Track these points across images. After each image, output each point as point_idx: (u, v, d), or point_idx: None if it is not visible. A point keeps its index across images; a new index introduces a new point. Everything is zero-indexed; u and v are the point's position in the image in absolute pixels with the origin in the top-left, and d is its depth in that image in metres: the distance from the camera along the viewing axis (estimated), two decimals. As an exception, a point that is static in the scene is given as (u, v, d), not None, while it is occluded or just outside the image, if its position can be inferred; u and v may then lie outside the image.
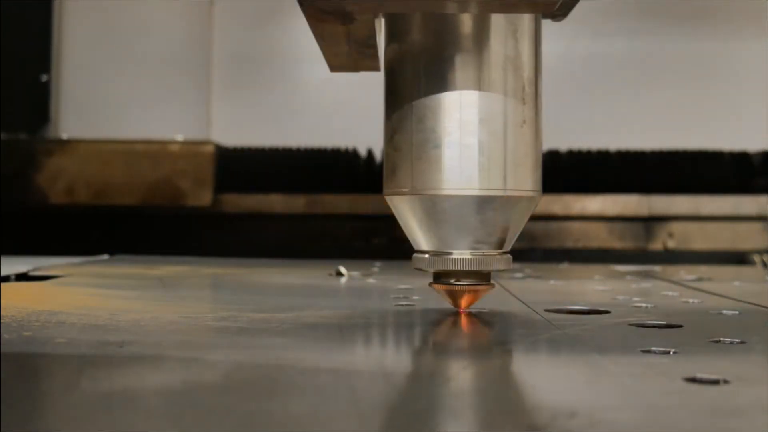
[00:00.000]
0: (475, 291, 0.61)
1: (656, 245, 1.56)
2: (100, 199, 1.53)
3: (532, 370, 0.45)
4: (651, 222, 1.56)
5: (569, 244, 1.55)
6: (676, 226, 1.56)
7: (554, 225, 1.56)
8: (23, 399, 0.35)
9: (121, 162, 1.54)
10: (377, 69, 0.65)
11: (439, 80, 0.57)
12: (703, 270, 1.17)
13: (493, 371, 0.44)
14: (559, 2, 0.53)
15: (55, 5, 1.77)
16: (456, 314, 0.64)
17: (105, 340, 0.50)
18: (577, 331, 0.56)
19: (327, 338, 0.54)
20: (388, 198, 0.60)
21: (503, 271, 0.61)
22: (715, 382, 0.40)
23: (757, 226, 1.54)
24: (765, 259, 1.42)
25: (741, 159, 1.63)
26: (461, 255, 0.58)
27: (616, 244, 1.55)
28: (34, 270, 0.94)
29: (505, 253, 0.60)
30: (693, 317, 0.65)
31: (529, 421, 0.33)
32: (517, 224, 0.60)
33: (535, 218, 1.53)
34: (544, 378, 0.43)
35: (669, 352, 0.48)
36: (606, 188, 1.56)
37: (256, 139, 1.69)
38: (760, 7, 1.74)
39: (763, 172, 1.61)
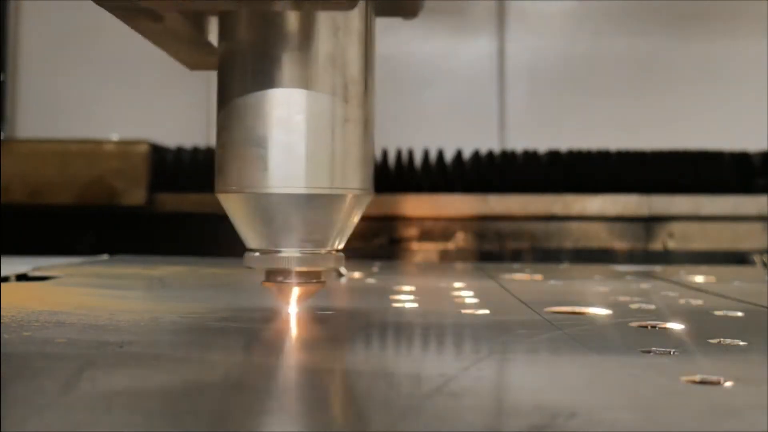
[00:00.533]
0: (306, 289, 0.60)
1: (656, 245, 1.56)
2: (36, 199, 1.53)
3: (532, 370, 0.45)
4: (651, 222, 1.56)
5: (569, 244, 1.55)
6: (676, 226, 1.56)
7: (554, 225, 1.56)
8: (23, 399, 0.35)
9: (57, 161, 1.54)
10: None
11: (262, 77, 0.56)
12: (703, 270, 1.17)
13: (492, 371, 0.44)
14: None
15: (11, 5, 1.77)
16: (454, 315, 0.63)
17: (105, 340, 0.50)
18: (577, 331, 0.56)
19: (328, 339, 0.54)
20: (218, 196, 0.59)
21: (334, 269, 0.61)
22: (715, 382, 0.40)
23: (757, 226, 1.54)
24: (765, 259, 1.42)
25: (741, 159, 1.63)
26: (290, 253, 0.58)
27: (616, 244, 1.55)
28: (34, 270, 0.94)
29: (336, 251, 0.60)
30: (693, 317, 0.65)
31: (529, 421, 0.33)
32: (345, 222, 0.59)
33: (535, 218, 1.55)
34: (544, 378, 0.43)
35: (669, 352, 0.47)
36: (606, 188, 1.56)
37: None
38: (760, 7, 1.74)
39: (763, 172, 1.61)
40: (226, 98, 0.58)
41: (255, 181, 0.56)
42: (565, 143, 1.64)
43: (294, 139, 0.56)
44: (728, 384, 0.39)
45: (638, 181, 1.58)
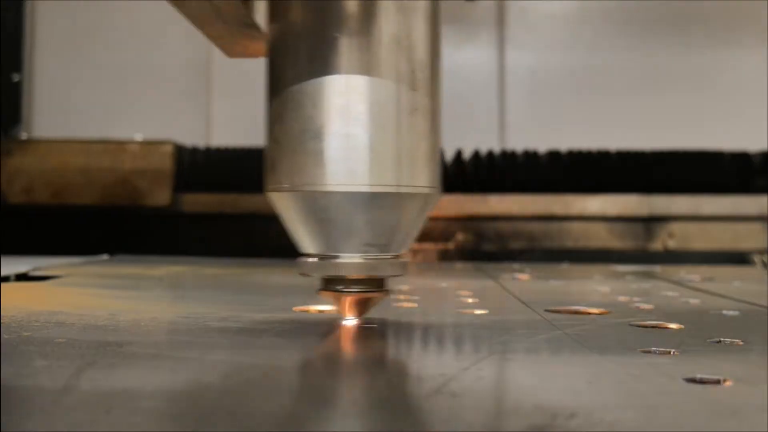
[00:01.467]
0: (367, 299, 0.55)
1: (656, 245, 1.56)
2: (59, 199, 1.53)
3: (532, 371, 0.45)
4: (651, 222, 1.56)
5: (569, 244, 1.55)
6: (676, 226, 1.56)
7: (554, 225, 1.56)
8: (23, 399, 0.35)
9: (80, 162, 1.53)
10: None
11: (320, 63, 0.51)
12: (703, 270, 1.17)
13: (493, 371, 0.44)
14: None
15: (27, 5, 1.77)
16: (454, 315, 0.63)
17: (105, 340, 0.50)
18: (577, 331, 0.56)
19: (328, 339, 0.54)
20: (268, 196, 0.54)
21: (396, 276, 0.54)
22: (715, 382, 0.40)
23: (757, 226, 1.54)
24: (765, 259, 1.42)
25: (741, 159, 1.63)
26: (350, 259, 0.53)
27: (616, 244, 1.55)
28: (34, 270, 0.94)
29: (399, 256, 0.55)
30: (693, 317, 0.65)
31: (529, 421, 0.33)
32: (412, 224, 0.54)
33: (535, 218, 1.55)
34: (544, 378, 0.43)
35: (669, 352, 0.48)
36: (606, 188, 1.56)
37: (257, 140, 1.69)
38: (760, 8, 1.74)
39: (763, 172, 1.61)
40: (278, 87, 0.53)
41: (312, 179, 0.51)
42: (565, 143, 1.64)
43: (356, 132, 0.50)
44: (728, 384, 0.39)
45: (638, 181, 1.58)
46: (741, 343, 0.51)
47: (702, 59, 1.79)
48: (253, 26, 0.56)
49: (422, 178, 0.53)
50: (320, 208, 0.52)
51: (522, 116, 1.82)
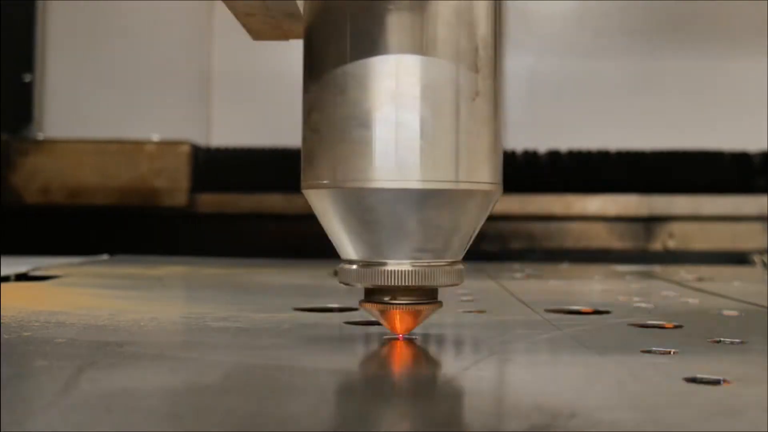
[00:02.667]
0: (417, 312, 0.48)
1: (656, 245, 1.56)
2: (76, 199, 1.53)
3: (531, 371, 0.45)
4: (651, 222, 1.56)
5: (569, 244, 1.55)
6: (676, 226, 1.56)
7: (554, 225, 1.56)
8: (23, 399, 0.35)
9: (96, 162, 1.53)
10: None
11: (367, 41, 0.45)
12: (703, 270, 1.17)
13: (493, 372, 0.44)
14: None
15: (39, 5, 1.77)
16: (454, 315, 0.63)
17: (105, 340, 0.50)
18: (577, 331, 0.56)
19: (327, 339, 0.54)
20: (305, 192, 0.48)
21: (452, 286, 0.48)
22: (715, 382, 0.40)
23: (757, 226, 1.54)
24: (765, 259, 1.42)
25: (741, 159, 1.63)
26: (398, 266, 0.46)
27: (616, 244, 1.55)
28: (34, 270, 0.94)
29: (456, 263, 0.48)
30: (693, 317, 0.65)
31: (529, 421, 0.33)
32: (471, 226, 0.48)
33: (535, 218, 1.55)
34: (544, 378, 0.43)
35: (669, 352, 0.47)
36: (606, 188, 1.56)
37: (255, 139, 1.69)
38: (761, 8, 1.74)
39: (763, 172, 1.61)
40: (316, 70, 0.46)
41: (356, 173, 0.45)
42: (564, 143, 1.64)
43: (408, 119, 0.44)
44: (728, 384, 0.39)
45: (638, 181, 1.58)
46: (741, 343, 0.51)
47: (702, 59, 1.79)
48: (289, 2, 0.50)
49: (483, 172, 0.46)
50: (366, 207, 0.45)
51: (522, 116, 1.82)
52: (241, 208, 1.55)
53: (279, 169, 1.54)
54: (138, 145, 1.54)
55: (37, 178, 1.53)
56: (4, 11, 1.68)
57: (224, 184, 1.58)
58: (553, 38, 1.83)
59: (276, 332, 0.54)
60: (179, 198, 1.52)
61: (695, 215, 1.55)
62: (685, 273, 1.10)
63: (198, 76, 1.79)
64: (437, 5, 0.45)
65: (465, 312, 0.65)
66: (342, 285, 0.49)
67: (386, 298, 0.48)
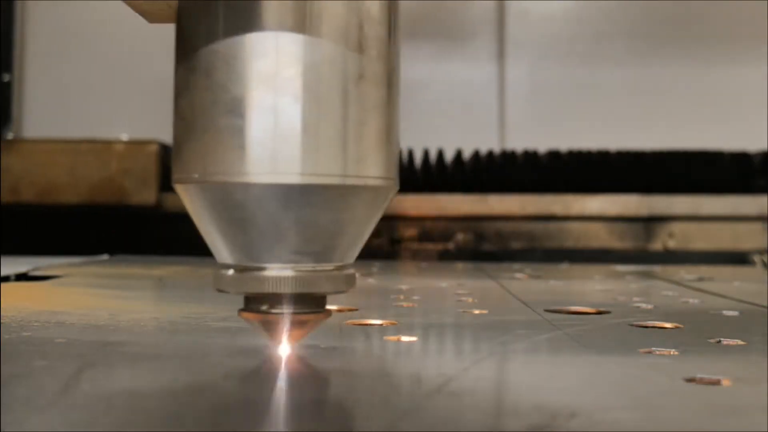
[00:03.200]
0: (302, 322, 0.43)
1: (656, 245, 1.56)
2: (45, 198, 1.54)
3: (531, 371, 0.45)
4: (651, 222, 1.56)
5: (569, 244, 1.55)
6: (676, 226, 1.56)
7: (554, 225, 1.56)
8: (23, 399, 0.35)
9: (66, 161, 1.54)
10: None
11: (240, 18, 0.40)
12: (703, 270, 1.17)
13: (492, 371, 0.44)
14: None
15: (17, 5, 1.77)
16: (454, 315, 0.63)
17: (105, 340, 0.50)
18: (577, 331, 0.56)
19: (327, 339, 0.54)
20: (176, 187, 0.43)
21: (342, 293, 0.43)
22: (715, 382, 0.40)
23: (757, 226, 1.54)
24: (765, 259, 1.42)
25: (741, 159, 1.63)
26: (278, 272, 0.41)
27: (616, 244, 1.55)
28: (34, 270, 0.94)
29: (344, 267, 0.43)
30: (693, 317, 0.65)
31: (529, 421, 0.33)
32: (360, 226, 0.43)
33: (535, 218, 1.55)
34: (544, 378, 0.43)
35: (669, 352, 0.47)
36: (606, 188, 1.56)
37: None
38: (761, 8, 1.74)
39: (763, 172, 1.61)
40: (185, 51, 0.42)
41: (228, 166, 0.40)
42: (565, 143, 1.64)
43: (285, 104, 0.39)
44: (728, 384, 0.40)
45: (638, 181, 1.58)
46: (741, 343, 0.51)
47: (702, 59, 1.79)
48: None
49: (373, 165, 0.41)
50: (239, 204, 0.40)
51: (522, 116, 1.82)
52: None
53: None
54: (107, 144, 1.55)
55: (7, 177, 1.53)
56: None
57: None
58: (553, 39, 1.83)
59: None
60: (148, 197, 1.53)
61: (695, 215, 1.55)
62: (685, 273, 1.10)
63: (168, 76, 1.79)
64: None
65: (465, 312, 0.65)
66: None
67: (265, 307, 0.43)
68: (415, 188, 1.58)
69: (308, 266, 0.41)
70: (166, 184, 1.55)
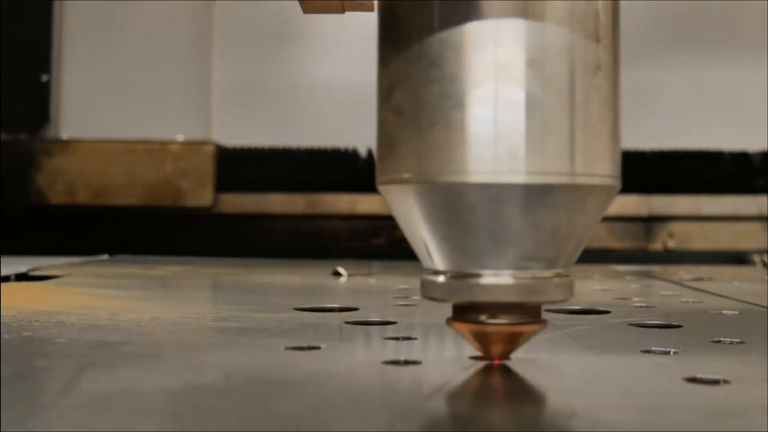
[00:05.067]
0: (518, 333, 0.40)
1: (656, 245, 1.56)
2: (100, 200, 1.54)
3: (531, 370, 0.45)
4: (651, 222, 1.56)
5: (569, 244, 1.55)
6: (676, 226, 1.56)
7: (554, 225, 1.56)
8: (23, 399, 0.35)
9: (122, 162, 1.54)
10: (370, 8, 0.46)
11: (462, 3, 0.37)
12: (703, 270, 1.17)
13: (492, 372, 0.44)
14: None
15: (56, 5, 1.77)
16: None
17: (105, 340, 0.50)
18: (577, 331, 0.56)
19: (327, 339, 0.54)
20: (382, 189, 0.40)
21: (562, 302, 0.40)
22: (715, 382, 0.40)
23: (757, 226, 1.54)
24: (765, 259, 1.42)
25: (741, 159, 1.63)
26: (499, 278, 0.38)
27: (616, 244, 1.55)
28: (34, 270, 0.94)
29: (564, 275, 0.40)
30: (693, 317, 0.65)
31: (530, 421, 0.33)
32: (587, 229, 0.39)
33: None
34: (544, 378, 0.43)
35: (669, 352, 0.47)
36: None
37: (257, 139, 1.69)
38: (760, 9, 1.74)
39: (763, 172, 1.61)
40: (398, 39, 0.38)
41: (446, 165, 0.36)
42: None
43: (514, 96, 0.36)
44: (728, 384, 0.39)
45: (638, 181, 1.58)
46: (741, 342, 0.51)
47: (702, 58, 1.79)
48: None
49: (604, 164, 0.38)
50: (461, 206, 0.37)
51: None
52: (265, 209, 1.56)
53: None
54: (163, 145, 1.55)
55: (62, 178, 1.53)
56: (21, 11, 1.69)
57: (248, 184, 1.59)
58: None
59: (276, 332, 0.54)
60: (204, 198, 1.53)
61: (695, 215, 1.55)
62: (685, 273, 1.10)
63: (201, 79, 1.79)
64: None
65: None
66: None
67: (482, 318, 0.39)
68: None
69: (529, 273, 0.38)
70: (221, 184, 1.55)
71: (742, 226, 1.55)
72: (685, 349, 0.48)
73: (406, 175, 0.38)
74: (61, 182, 1.53)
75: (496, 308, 0.39)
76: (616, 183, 0.39)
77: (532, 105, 0.36)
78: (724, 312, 0.66)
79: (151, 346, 0.49)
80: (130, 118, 1.77)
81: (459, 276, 0.39)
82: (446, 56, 0.37)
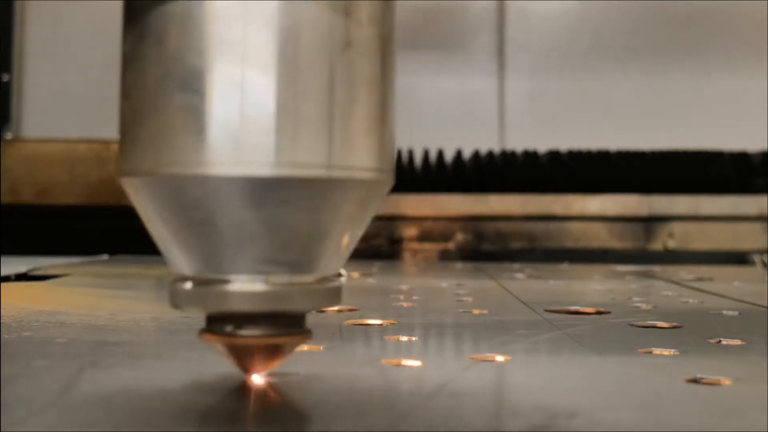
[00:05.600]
0: (275, 346, 0.35)
1: (656, 245, 1.56)
2: (44, 199, 1.53)
3: (531, 371, 0.45)
4: (651, 222, 1.56)
5: (569, 244, 1.55)
6: (676, 226, 1.56)
7: (554, 225, 1.56)
8: (23, 399, 0.35)
9: (65, 162, 1.54)
10: None
11: None
12: (703, 270, 1.17)
13: (492, 372, 0.44)
14: None
15: (17, 5, 1.77)
16: (453, 314, 0.63)
17: (105, 340, 0.50)
18: (577, 331, 0.56)
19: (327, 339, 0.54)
20: (122, 182, 0.35)
21: (320, 311, 0.35)
22: (715, 382, 0.40)
23: (757, 226, 1.54)
24: (765, 259, 1.42)
25: (741, 159, 1.63)
26: (247, 285, 0.33)
27: (616, 244, 1.55)
28: (34, 270, 0.94)
29: (327, 279, 0.35)
30: (693, 317, 0.65)
31: (529, 421, 0.33)
32: (348, 229, 0.35)
33: (535, 218, 1.55)
34: (544, 378, 0.43)
35: (669, 352, 0.47)
36: (606, 188, 1.57)
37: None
38: (760, 10, 1.74)
39: (763, 172, 1.61)
40: (133, 17, 0.33)
41: (184, 156, 0.32)
42: (564, 143, 1.64)
43: (255, 78, 0.31)
44: (728, 384, 0.40)
45: (638, 181, 1.58)
46: (741, 342, 0.51)
47: (702, 58, 1.79)
48: None
49: (363, 154, 0.33)
50: (197, 203, 0.32)
51: (522, 116, 1.82)
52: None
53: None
54: (106, 144, 1.55)
55: (6, 177, 1.53)
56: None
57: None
58: (553, 39, 1.83)
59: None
60: None
61: (695, 215, 1.55)
62: (685, 273, 1.10)
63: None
64: None
65: (465, 312, 0.65)
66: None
67: (230, 328, 0.35)
68: (415, 188, 1.58)
69: (283, 278, 0.34)
70: None
71: (742, 226, 1.55)
72: (686, 350, 0.48)
73: (135, 167, 0.33)
74: (6, 181, 1.53)
75: (245, 318, 0.34)
76: (382, 177, 0.34)
77: (278, 87, 0.31)
78: (724, 312, 0.66)
79: (151, 346, 0.49)
80: (94, 118, 1.77)
81: (205, 282, 0.34)
82: (170, 31, 0.32)
